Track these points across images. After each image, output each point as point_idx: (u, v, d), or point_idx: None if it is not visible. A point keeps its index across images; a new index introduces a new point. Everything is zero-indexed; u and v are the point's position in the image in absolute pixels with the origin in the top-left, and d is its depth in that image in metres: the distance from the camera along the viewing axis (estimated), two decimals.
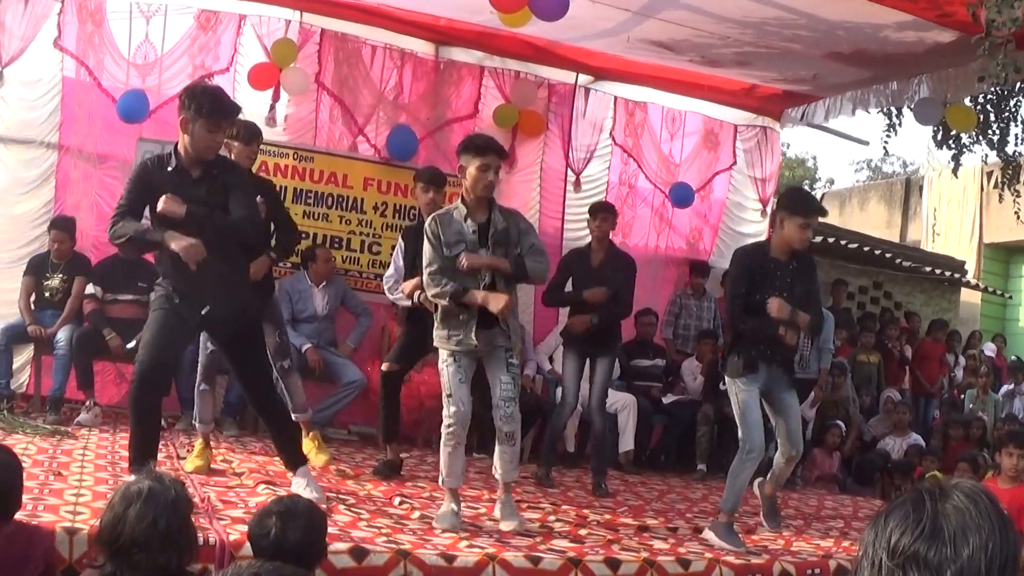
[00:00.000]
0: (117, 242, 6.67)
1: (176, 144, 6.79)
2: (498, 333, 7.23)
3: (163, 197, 6.50)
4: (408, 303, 8.81)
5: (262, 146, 10.33)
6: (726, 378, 7.82)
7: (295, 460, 7.35)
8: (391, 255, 9.64)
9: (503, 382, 7.28)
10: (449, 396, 7.17)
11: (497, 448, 7.36)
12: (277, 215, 8.94)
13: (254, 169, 9.18)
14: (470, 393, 7.26)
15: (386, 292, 9.34)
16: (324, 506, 6.62)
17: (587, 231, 11.14)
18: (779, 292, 7.55)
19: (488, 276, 7.21)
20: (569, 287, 10.17)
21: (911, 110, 12.20)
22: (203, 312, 6.70)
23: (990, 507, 1.95)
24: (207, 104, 6.65)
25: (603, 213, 10.33)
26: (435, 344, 7.37)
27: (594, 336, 9.90)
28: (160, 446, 7.23)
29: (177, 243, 6.44)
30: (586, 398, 10.20)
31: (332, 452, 8.99)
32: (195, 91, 6.86)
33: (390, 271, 9.26)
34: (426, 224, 7.36)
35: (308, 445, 8.70)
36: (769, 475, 8.31)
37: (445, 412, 7.19)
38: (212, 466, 8.22)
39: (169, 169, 6.70)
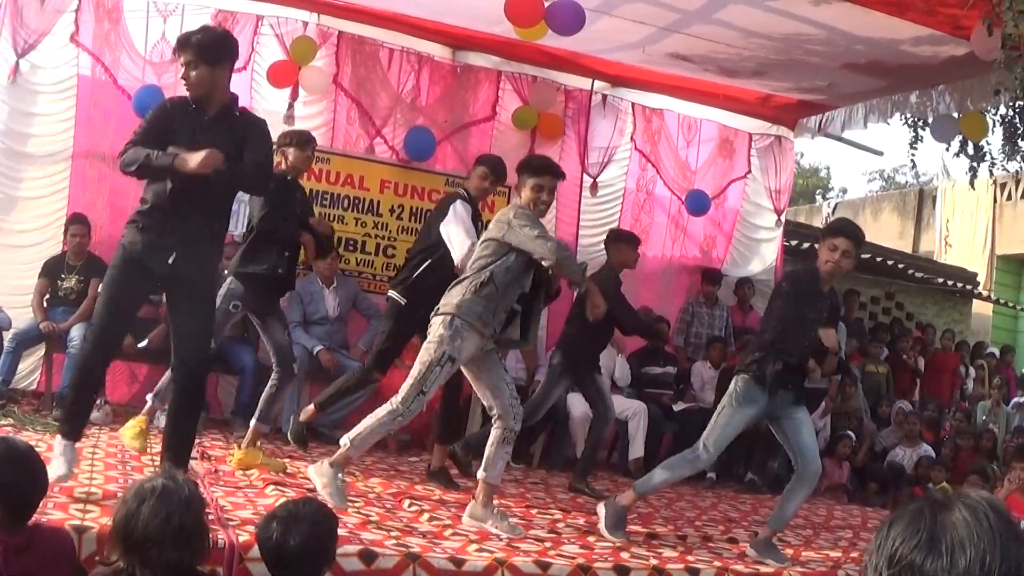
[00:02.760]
0: (127, 169, 6.57)
1: None
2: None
3: (198, 156, 6.30)
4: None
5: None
6: (732, 385, 7.67)
7: (178, 457, 6.76)
8: (406, 258, 9.55)
9: (508, 383, 7.41)
10: (422, 394, 7.16)
11: (500, 450, 7.35)
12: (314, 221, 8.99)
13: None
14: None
15: (468, 259, 8.08)
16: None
17: (602, 239, 11.18)
18: (813, 321, 7.48)
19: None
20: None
21: (929, 129, 12.17)
22: (169, 261, 6.51)
23: (994, 519, 1.94)
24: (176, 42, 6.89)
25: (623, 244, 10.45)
26: (453, 311, 7.19)
27: (591, 355, 9.99)
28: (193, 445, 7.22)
29: (191, 158, 6.31)
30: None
31: (285, 463, 8.76)
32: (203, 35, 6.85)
33: (472, 239, 8.39)
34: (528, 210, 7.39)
35: (255, 455, 8.56)
36: (773, 510, 7.99)
37: (403, 400, 7.17)
38: (221, 467, 8.23)
39: (190, 109, 6.67)
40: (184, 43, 6.69)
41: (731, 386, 7.67)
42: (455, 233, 8.59)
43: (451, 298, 7.23)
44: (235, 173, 6.58)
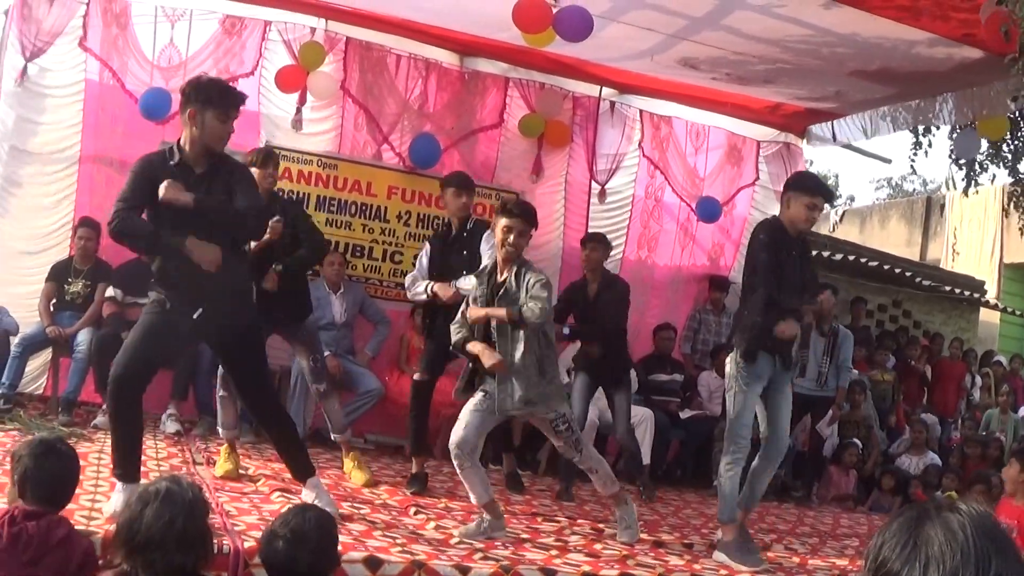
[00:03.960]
0: (123, 240, 6.51)
1: (179, 140, 6.67)
2: (535, 402, 7.35)
3: (165, 184, 6.31)
4: (423, 298, 9.03)
5: (286, 152, 10.39)
6: (729, 369, 7.70)
7: (303, 471, 7.18)
8: (413, 264, 9.65)
9: (559, 447, 7.78)
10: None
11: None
12: (301, 228, 8.96)
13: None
14: (481, 423, 7.38)
15: (407, 287, 9.41)
16: (335, 517, 6.61)
17: (613, 247, 11.21)
18: (790, 271, 7.59)
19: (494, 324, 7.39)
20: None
21: (950, 138, 12.16)
22: (195, 316, 6.50)
23: (973, 536, 1.92)
24: (216, 93, 6.60)
25: (592, 243, 10.45)
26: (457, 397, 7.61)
27: (605, 365, 9.98)
28: (176, 451, 7.22)
29: (199, 250, 6.31)
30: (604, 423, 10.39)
31: (373, 473, 8.99)
32: (200, 83, 6.74)
33: (414, 272, 9.34)
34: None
35: (348, 465, 8.77)
36: (743, 490, 7.88)
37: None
38: (345, 483, 8.34)
39: (172, 163, 6.54)
40: (238, 100, 6.72)
41: (730, 367, 7.70)
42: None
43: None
44: (230, 217, 6.55)
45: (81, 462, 5.36)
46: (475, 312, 7.40)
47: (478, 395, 7.38)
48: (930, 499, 2.16)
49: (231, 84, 7.06)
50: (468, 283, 8.33)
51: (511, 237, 7.38)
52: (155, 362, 6.81)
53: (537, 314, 7.16)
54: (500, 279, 7.46)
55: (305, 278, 9.30)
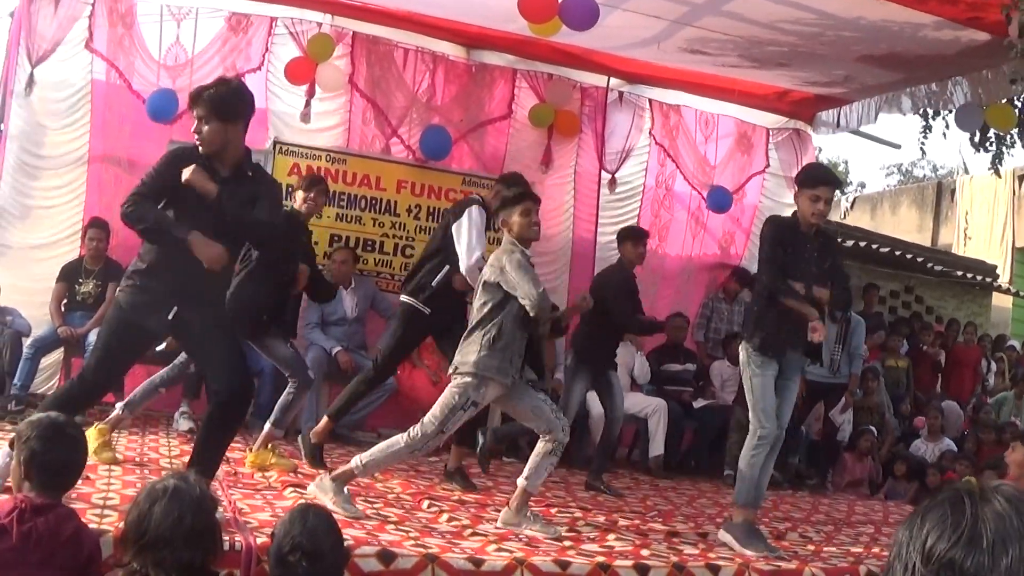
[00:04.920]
0: (136, 226, 6.46)
1: None
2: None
3: (191, 168, 6.30)
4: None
5: (294, 148, 10.40)
6: (742, 356, 7.72)
7: (208, 467, 6.65)
8: (468, 265, 9.43)
9: (545, 400, 7.48)
10: (442, 433, 7.22)
11: (545, 460, 7.36)
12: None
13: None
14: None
15: (474, 271, 8.29)
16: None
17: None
18: (805, 266, 7.54)
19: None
20: None
21: (953, 116, 12.09)
22: (169, 318, 6.40)
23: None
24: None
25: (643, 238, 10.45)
26: (472, 368, 7.20)
27: (606, 355, 9.96)
28: (189, 448, 7.18)
29: (204, 247, 6.25)
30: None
31: (295, 463, 8.71)
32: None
33: (482, 251, 8.51)
34: (520, 251, 7.39)
35: (266, 456, 8.57)
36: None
37: (423, 433, 7.11)
38: (239, 469, 8.23)
39: (202, 163, 6.44)
40: (196, 97, 6.51)
41: (742, 355, 7.73)
42: (466, 239, 8.57)
43: (467, 356, 7.24)
44: (247, 224, 6.51)
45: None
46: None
47: (468, 413, 7.27)
48: (953, 484, 2.04)
49: (216, 83, 6.90)
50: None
51: (533, 216, 7.48)
52: (117, 373, 6.97)
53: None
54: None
55: (286, 296, 9.20)
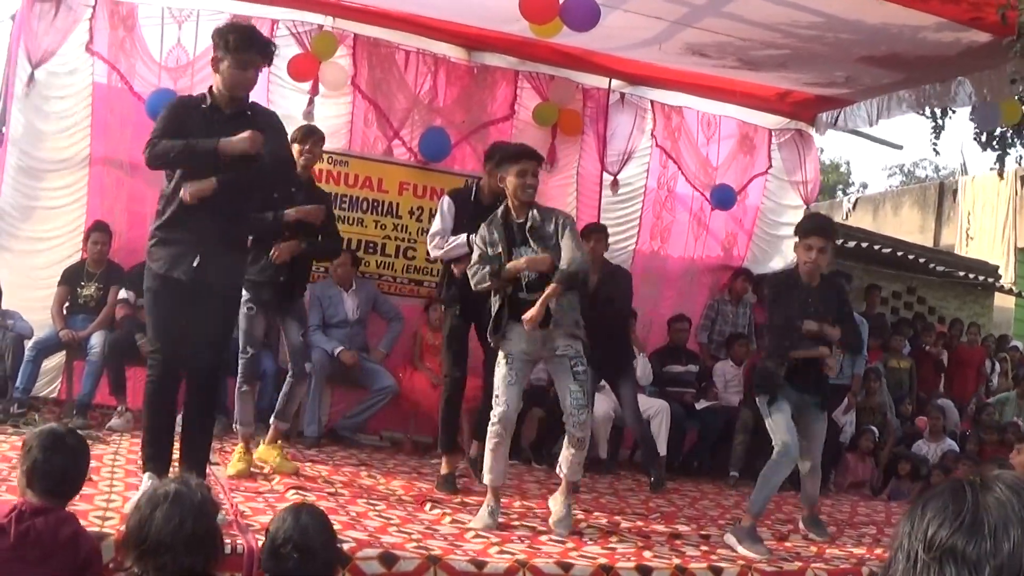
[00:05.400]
0: (161, 160, 6.45)
1: (211, 86, 6.77)
2: (557, 336, 7.35)
3: (186, 190, 6.40)
4: (461, 252, 8.58)
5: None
6: (759, 405, 7.90)
7: (196, 464, 6.75)
8: (427, 259, 9.54)
9: (572, 391, 7.41)
10: (497, 396, 7.34)
11: (567, 451, 7.50)
12: (327, 225, 8.99)
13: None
14: (520, 396, 7.47)
15: (434, 250, 9.05)
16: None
17: (624, 238, 11.17)
18: (806, 317, 7.64)
19: (531, 276, 7.42)
20: None
21: (970, 114, 12.09)
22: (194, 265, 6.46)
23: None
24: (235, 39, 6.63)
25: (596, 235, 10.47)
26: (491, 343, 7.54)
27: (608, 356, 9.95)
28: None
29: (236, 143, 6.39)
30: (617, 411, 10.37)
31: (297, 466, 8.74)
32: (224, 29, 6.87)
33: (437, 227, 8.92)
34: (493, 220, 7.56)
35: (271, 453, 8.62)
36: (800, 495, 8.41)
37: (493, 412, 7.34)
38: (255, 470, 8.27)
39: (203, 107, 6.65)
40: (251, 42, 6.67)
41: (760, 407, 7.91)
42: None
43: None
44: (259, 169, 6.59)
45: (94, 462, 5.35)
46: (514, 265, 7.38)
47: (503, 367, 7.38)
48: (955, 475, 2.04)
49: (255, 30, 7.00)
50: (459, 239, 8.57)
51: (528, 179, 7.45)
52: (184, 349, 6.77)
53: (584, 262, 7.41)
54: (519, 220, 7.49)
55: (308, 268, 9.32)
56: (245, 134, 6.39)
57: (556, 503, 7.53)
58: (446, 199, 9.05)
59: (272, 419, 8.89)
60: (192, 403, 6.91)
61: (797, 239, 7.89)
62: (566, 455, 7.50)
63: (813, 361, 7.68)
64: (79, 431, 7.76)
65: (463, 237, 8.49)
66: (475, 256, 7.55)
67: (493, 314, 7.53)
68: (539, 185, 7.69)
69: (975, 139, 13.44)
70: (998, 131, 13.05)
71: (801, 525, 8.35)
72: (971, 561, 1.79)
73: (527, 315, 7.22)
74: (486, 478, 7.51)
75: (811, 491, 8.29)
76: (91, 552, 4.59)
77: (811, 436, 7.90)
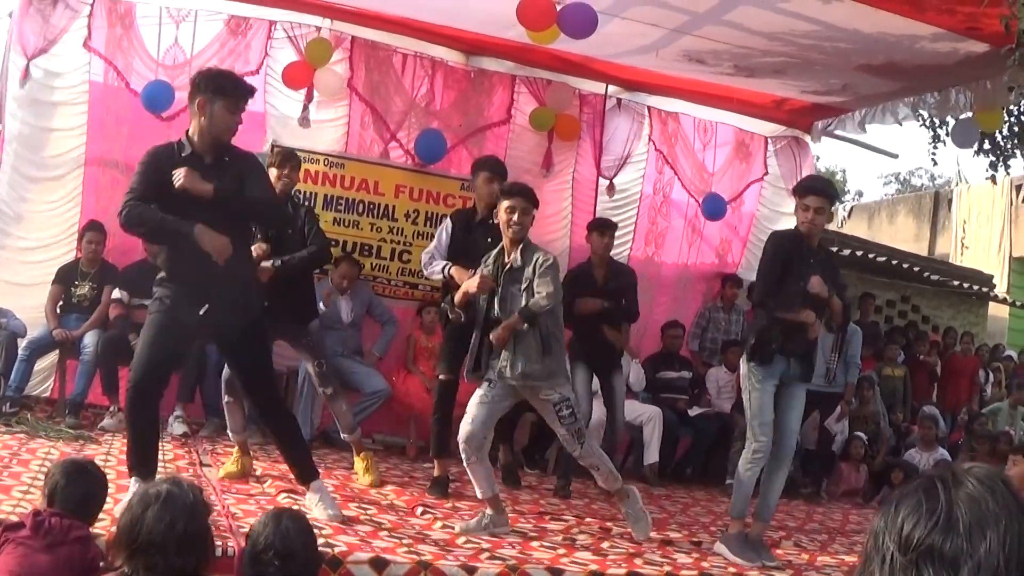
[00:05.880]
0: (138, 230, 6.52)
1: (187, 131, 6.71)
2: (537, 377, 7.36)
3: (183, 171, 6.35)
4: (437, 278, 8.99)
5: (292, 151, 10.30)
6: (742, 369, 7.78)
7: (307, 474, 7.15)
8: (421, 262, 9.55)
9: (561, 435, 7.61)
10: (466, 414, 7.42)
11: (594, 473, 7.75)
12: (315, 240, 9.02)
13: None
14: (491, 417, 7.52)
15: (423, 263, 9.28)
16: (338, 522, 6.65)
17: (619, 243, 11.16)
18: (808, 276, 7.54)
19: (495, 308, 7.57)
20: None
21: (951, 134, 12.10)
22: (201, 313, 6.50)
23: (1007, 495, 1.83)
24: (226, 84, 6.63)
25: (601, 228, 10.60)
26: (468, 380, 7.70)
27: (603, 351, 9.96)
28: (183, 452, 7.21)
29: (210, 238, 6.33)
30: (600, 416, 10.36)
31: (380, 474, 8.97)
32: (210, 73, 6.82)
33: (431, 247, 9.19)
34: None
35: (359, 465, 8.75)
36: (758, 499, 7.90)
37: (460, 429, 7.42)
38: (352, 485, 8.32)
39: (183, 156, 6.57)
40: (242, 86, 6.76)
41: (742, 368, 7.78)
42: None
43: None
44: (250, 206, 6.61)
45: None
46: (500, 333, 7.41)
47: (483, 387, 7.44)
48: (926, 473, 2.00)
49: (240, 77, 7.03)
50: (438, 267, 8.82)
51: (515, 216, 7.48)
52: (169, 363, 6.91)
53: (544, 304, 7.30)
54: (507, 259, 7.54)
55: (310, 281, 9.27)
56: (222, 243, 6.39)
57: (631, 518, 7.75)
58: (447, 221, 9.28)
59: (344, 437, 9.15)
60: (274, 426, 7.32)
61: (795, 198, 7.87)
62: (597, 477, 7.78)
63: (803, 328, 7.61)
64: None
65: (440, 266, 8.86)
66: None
67: (473, 350, 7.63)
68: (529, 223, 7.69)
69: (975, 153, 13.46)
70: (996, 137, 13.06)
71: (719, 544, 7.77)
72: (948, 560, 1.78)
73: (493, 334, 7.34)
74: (478, 493, 7.54)
75: (770, 499, 7.83)
76: (95, 559, 4.65)
77: (790, 406, 7.70)
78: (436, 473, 8.93)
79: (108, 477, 7.25)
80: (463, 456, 7.38)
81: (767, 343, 7.52)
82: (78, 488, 4.73)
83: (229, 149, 6.78)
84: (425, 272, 9.42)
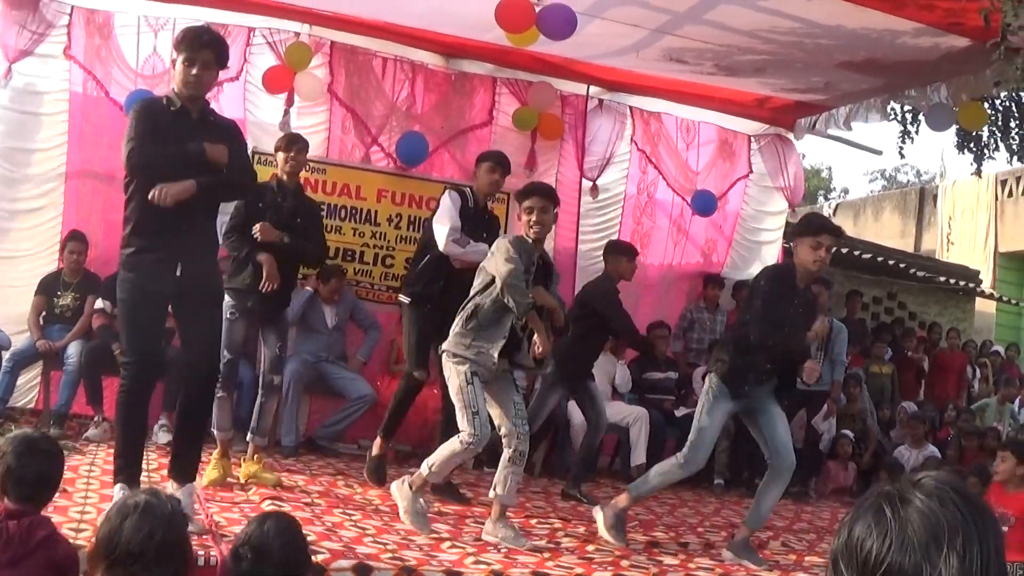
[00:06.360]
0: (146, 171, 6.39)
1: (172, 88, 6.76)
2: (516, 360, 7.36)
3: (163, 191, 6.27)
4: (476, 259, 8.09)
5: (272, 157, 10.25)
6: (705, 383, 7.83)
7: (189, 473, 6.85)
8: (405, 266, 9.47)
9: (516, 403, 7.37)
10: (476, 414, 7.10)
11: (509, 468, 7.29)
12: (314, 234, 9.04)
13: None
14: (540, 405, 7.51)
15: (451, 245, 8.54)
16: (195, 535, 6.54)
17: (602, 242, 11.14)
18: (795, 317, 7.55)
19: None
20: None
21: (924, 117, 12.07)
22: (177, 274, 6.45)
23: (960, 504, 1.81)
24: (182, 39, 6.61)
25: (614, 255, 10.44)
26: (449, 347, 7.33)
27: (582, 365, 9.91)
28: (167, 462, 7.15)
29: (216, 150, 6.46)
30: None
31: (280, 478, 8.66)
32: (182, 30, 6.85)
33: (448, 223, 8.57)
34: (512, 241, 7.38)
35: (252, 468, 8.57)
36: (752, 508, 7.85)
37: (468, 430, 7.08)
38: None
39: (171, 110, 6.60)
40: (204, 43, 6.61)
41: (705, 383, 7.81)
42: (437, 223, 8.68)
43: (450, 334, 7.38)
44: (224, 180, 6.59)
45: (69, 473, 5.32)
46: (548, 300, 7.48)
47: (477, 384, 7.20)
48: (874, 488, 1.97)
49: (211, 31, 6.97)
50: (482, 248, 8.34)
51: (534, 216, 7.42)
52: (160, 337, 6.87)
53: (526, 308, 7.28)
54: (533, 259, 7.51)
55: (296, 270, 9.26)
56: (221, 151, 6.45)
57: (491, 532, 7.25)
58: (451, 194, 8.84)
59: (248, 436, 8.84)
60: (189, 404, 6.94)
61: (802, 237, 7.69)
62: (505, 473, 7.30)
63: (790, 363, 7.59)
64: (59, 439, 7.76)
65: (485, 246, 8.19)
66: (517, 267, 7.23)
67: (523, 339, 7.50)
68: (551, 222, 7.65)
69: (956, 143, 13.44)
70: (980, 133, 13.04)
71: (727, 551, 7.68)
72: None
73: (545, 348, 7.38)
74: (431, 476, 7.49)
75: (763, 509, 7.79)
76: (67, 557, 4.58)
77: (772, 423, 7.66)
78: (375, 452, 8.98)
79: (92, 487, 7.29)
80: (515, 461, 7.27)
81: (745, 373, 7.51)
82: (32, 468, 4.55)
83: (212, 111, 6.93)
84: (457, 252, 8.60)
